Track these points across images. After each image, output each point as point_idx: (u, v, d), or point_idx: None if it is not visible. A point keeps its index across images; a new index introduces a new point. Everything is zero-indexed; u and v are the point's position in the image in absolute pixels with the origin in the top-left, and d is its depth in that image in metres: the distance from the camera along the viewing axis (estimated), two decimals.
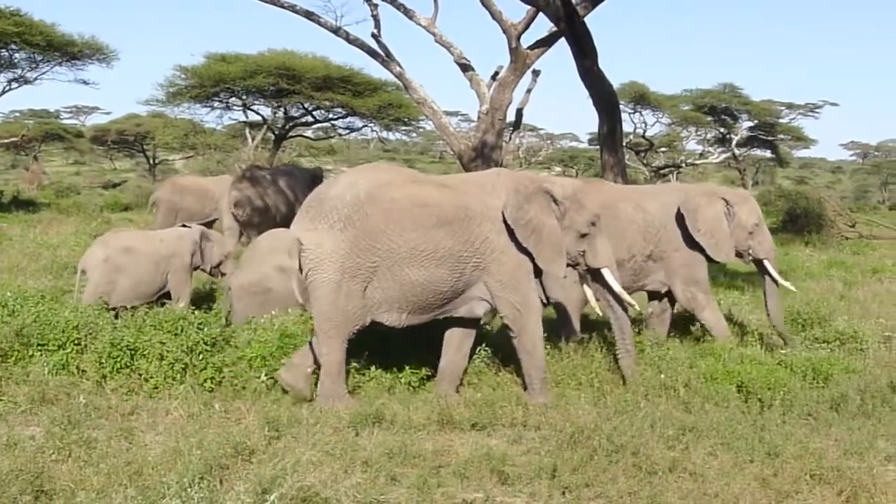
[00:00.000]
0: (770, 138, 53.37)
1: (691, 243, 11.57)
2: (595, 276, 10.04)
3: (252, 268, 12.21)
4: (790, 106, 54.08)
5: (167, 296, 12.93)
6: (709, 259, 11.77)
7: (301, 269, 9.01)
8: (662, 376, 9.50)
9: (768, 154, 57.85)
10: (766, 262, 12.05)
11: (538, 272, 9.74)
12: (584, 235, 9.76)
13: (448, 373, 9.69)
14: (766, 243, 12.06)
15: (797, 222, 28.83)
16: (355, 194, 8.99)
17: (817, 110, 54.66)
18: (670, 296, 11.88)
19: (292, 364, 9.32)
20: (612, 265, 10.03)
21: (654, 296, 12.06)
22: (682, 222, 11.55)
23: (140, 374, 9.49)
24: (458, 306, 9.47)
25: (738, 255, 12.07)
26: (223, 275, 13.73)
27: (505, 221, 9.31)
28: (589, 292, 10.20)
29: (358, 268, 8.89)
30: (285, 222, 21.37)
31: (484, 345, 9.86)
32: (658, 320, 12.06)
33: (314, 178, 21.13)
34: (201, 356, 9.65)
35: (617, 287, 9.97)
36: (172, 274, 12.94)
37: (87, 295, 12.26)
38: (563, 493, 6.86)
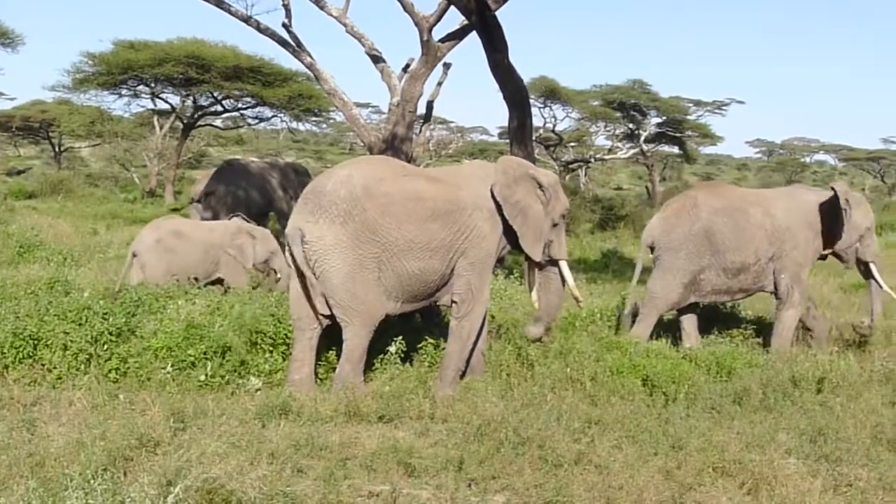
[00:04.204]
0: (678, 135, 54.07)
1: (818, 247, 11.96)
2: (553, 265, 10.32)
3: None
4: (698, 103, 54.98)
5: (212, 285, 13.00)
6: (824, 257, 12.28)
7: (298, 259, 9.11)
8: (569, 369, 9.56)
9: (676, 150, 58.59)
10: (871, 265, 12.38)
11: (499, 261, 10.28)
12: (555, 226, 10.08)
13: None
14: (872, 246, 12.38)
15: None
16: (350, 189, 9.11)
17: (724, 108, 55.76)
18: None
19: (293, 380, 9.25)
20: (566, 258, 10.43)
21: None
22: (804, 225, 11.85)
23: (43, 365, 9.33)
24: (444, 293, 9.70)
25: (838, 256, 12.31)
26: (274, 271, 13.87)
27: (495, 201, 9.58)
28: (536, 282, 10.48)
29: (364, 257, 9.04)
30: (262, 215, 21.37)
31: (400, 338, 9.83)
32: (812, 320, 12.19)
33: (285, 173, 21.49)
34: (106, 346, 9.52)
35: (571, 280, 10.42)
36: (225, 266, 13.18)
37: (138, 278, 12.30)
38: (470, 485, 6.89)
